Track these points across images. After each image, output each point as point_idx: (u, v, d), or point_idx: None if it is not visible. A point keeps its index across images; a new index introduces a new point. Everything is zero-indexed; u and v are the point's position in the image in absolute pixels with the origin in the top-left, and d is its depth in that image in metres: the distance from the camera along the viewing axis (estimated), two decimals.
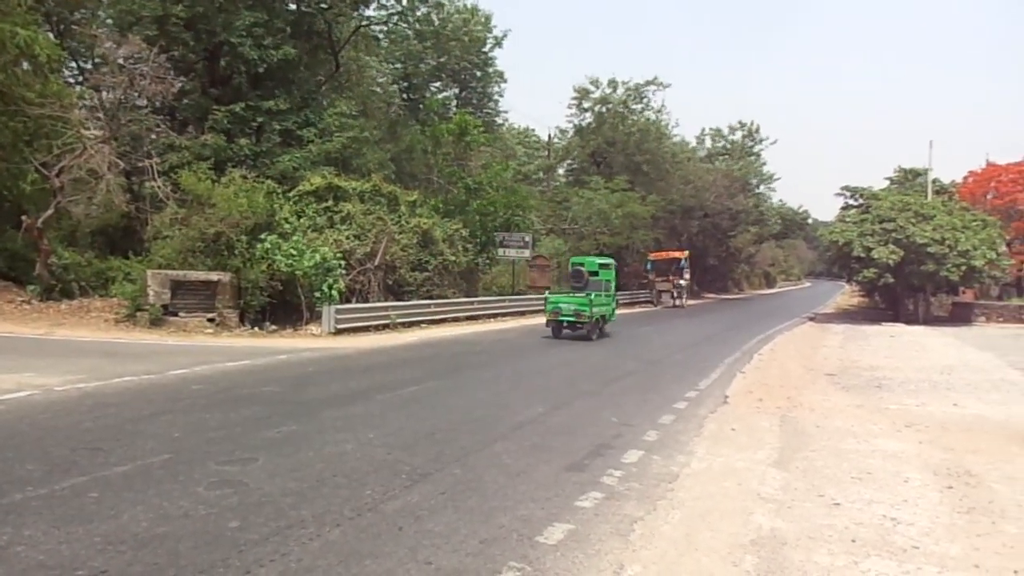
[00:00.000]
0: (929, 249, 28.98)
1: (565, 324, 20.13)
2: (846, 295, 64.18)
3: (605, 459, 7.09)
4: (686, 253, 46.10)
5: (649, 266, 43.87)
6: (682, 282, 43.26)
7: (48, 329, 16.83)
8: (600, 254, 31.17)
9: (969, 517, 5.65)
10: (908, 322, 30.69)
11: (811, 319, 34.26)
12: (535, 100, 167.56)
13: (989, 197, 41.80)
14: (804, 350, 19.07)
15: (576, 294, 21.34)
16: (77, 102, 22.08)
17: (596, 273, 22.90)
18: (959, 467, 7.12)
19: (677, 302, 42.59)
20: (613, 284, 23.43)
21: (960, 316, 33.15)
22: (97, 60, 24.62)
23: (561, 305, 20.23)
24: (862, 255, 30.33)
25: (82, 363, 11.99)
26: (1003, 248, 31.77)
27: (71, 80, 25.33)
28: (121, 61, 22.04)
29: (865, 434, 8.58)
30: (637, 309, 39.75)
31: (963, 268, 29.04)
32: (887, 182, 48.64)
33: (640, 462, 7.05)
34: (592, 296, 20.44)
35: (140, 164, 21.99)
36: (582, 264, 23.73)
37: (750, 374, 13.96)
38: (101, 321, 18.32)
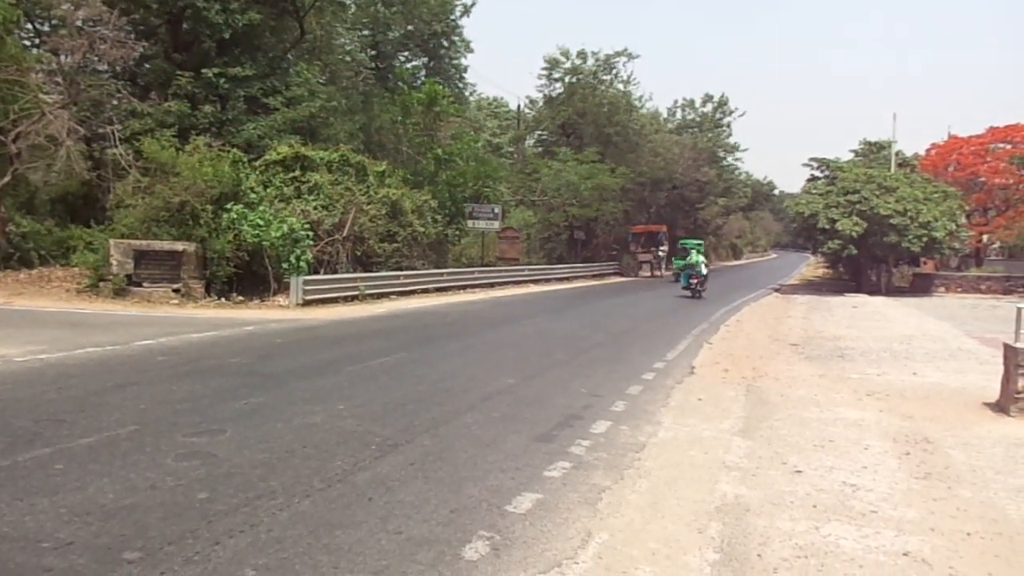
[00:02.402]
0: (892, 221, 29.45)
1: (685, 277, 30.09)
2: (811, 266, 65.11)
3: (574, 429, 7.16)
4: (665, 227, 47.39)
5: (631, 238, 45.57)
6: (660, 253, 45.94)
7: (6, 299, 16.49)
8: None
9: (926, 482, 5.81)
10: (870, 293, 31.25)
11: (776, 290, 34.71)
12: (505, 70, 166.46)
13: (950, 169, 42.51)
14: (769, 321, 19.34)
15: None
16: (35, 66, 21.43)
17: (695, 249, 33.79)
18: (917, 434, 7.30)
19: (656, 272, 44.87)
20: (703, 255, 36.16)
21: (920, 287, 33.85)
22: (55, 22, 23.86)
23: (694, 262, 29.44)
24: (827, 227, 30.74)
25: (43, 334, 11.79)
26: (963, 220, 32.42)
27: (27, 43, 24.53)
28: (80, 24, 21.42)
29: (827, 403, 8.76)
30: (607, 281, 40.01)
31: (924, 239, 29.58)
32: (852, 154, 49.21)
33: (608, 432, 7.13)
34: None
35: (101, 130, 21.49)
36: (687, 246, 38.29)
37: (716, 345, 14.14)
38: (62, 291, 18.00)
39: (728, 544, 4.53)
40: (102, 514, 4.56)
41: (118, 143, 20.55)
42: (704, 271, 27.67)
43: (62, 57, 21.57)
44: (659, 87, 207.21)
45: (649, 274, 44.75)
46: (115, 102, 21.93)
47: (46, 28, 24.57)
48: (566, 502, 5.16)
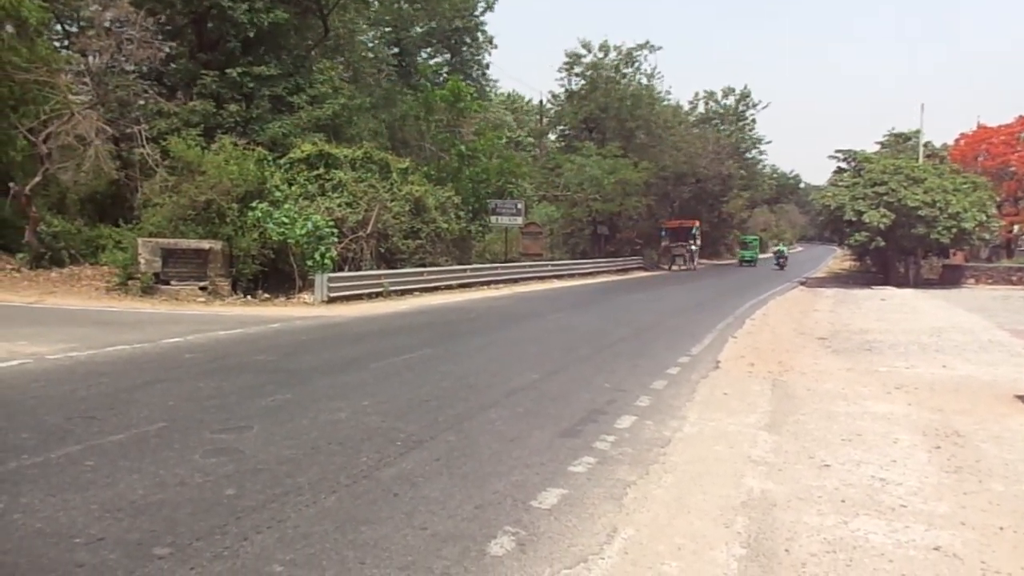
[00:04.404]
0: (920, 212, 28.98)
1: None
2: (838, 259, 64.34)
3: (598, 425, 7.14)
4: (697, 222, 48.23)
5: (664, 233, 48.27)
6: (693, 247, 47.72)
7: (38, 297, 16.76)
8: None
9: (957, 476, 5.73)
10: (899, 285, 30.82)
11: (803, 284, 34.37)
12: (521, 64, 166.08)
13: (980, 159, 41.78)
14: (795, 314, 19.16)
15: (751, 250, 57.61)
16: (64, 67, 21.74)
17: (752, 242, 57.91)
18: (947, 427, 7.20)
19: (688, 266, 47.00)
20: (759, 245, 59.52)
21: (950, 279, 33.32)
22: (83, 23, 24.18)
23: (780, 249, 52.00)
24: (853, 219, 30.33)
25: (74, 331, 11.97)
26: (993, 210, 31.81)
27: (57, 44, 24.89)
28: (108, 24, 21.70)
29: (855, 396, 8.66)
30: (631, 276, 39.86)
31: (953, 231, 29.08)
32: (878, 146, 48.62)
33: (633, 427, 7.10)
34: (755, 251, 57.81)
35: (128, 130, 21.76)
36: (746, 241, 59.60)
37: (742, 339, 14.03)
38: (92, 289, 18.26)
39: (755, 539, 4.50)
40: (132, 510, 4.63)
41: (145, 143, 20.80)
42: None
43: (90, 58, 21.86)
44: (678, 84, 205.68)
45: (680, 267, 46.34)
46: (142, 102, 22.21)
47: (75, 29, 24.93)
48: (591, 497, 5.15)
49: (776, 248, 55.35)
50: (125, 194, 22.50)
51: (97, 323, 13.38)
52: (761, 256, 63.84)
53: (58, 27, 24.95)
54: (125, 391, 7.88)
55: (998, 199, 35.89)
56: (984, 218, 29.92)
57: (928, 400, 8.48)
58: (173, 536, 4.25)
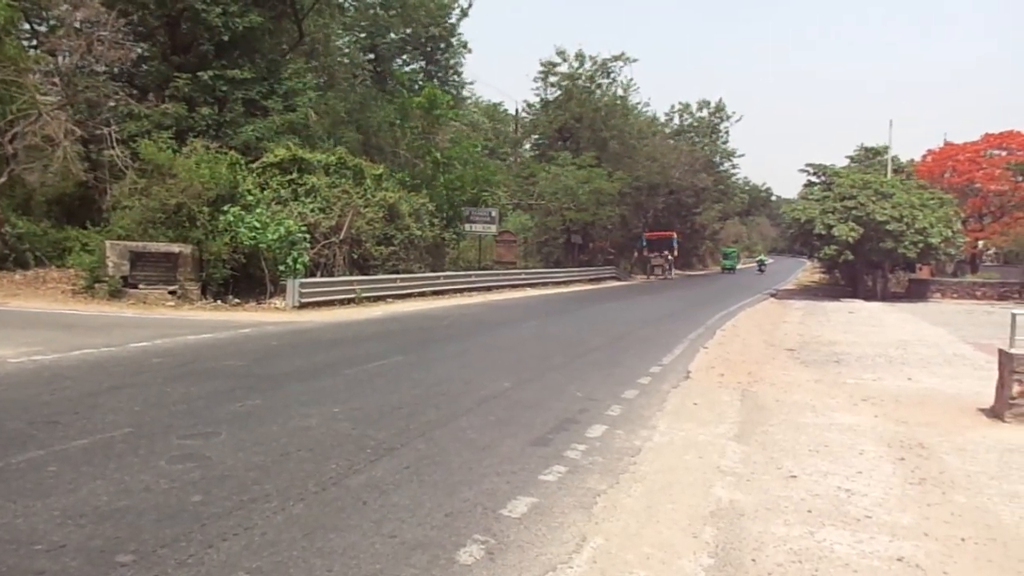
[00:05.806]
0: (888, 226, 29.46)
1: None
2: (807, 272, 65.18)
3: (569, 433, 7.15)
4: (675, 233, 49.66)
5: (644, 243, 50.90)
6: (671, 258, 50.61)
7: (2, 300, 16.46)
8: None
9: (920, 487, 5.81)
10: (867, 298, 31.25)
11: (773, 295, 34.71)
12: (501, 71, 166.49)
13: (946, 175, 42.55)
14: (765, 326, 19.35)
15: (730, 260, 71.88)
16: (32, 66, 21.39)
17: (732, 253, 72.74)
18: (912, 439, 7.31)
19: (665, 275, 49.43)
20: (736, 256, 73.75)
21: (916, 292, 33.87)
22: (53, 23, 23.82)
23: (761, 259, 70.10)
24: (823, 232, 30.74)
25: (38, 335, 11.77)
26: (958, 226, 32.45)
27: (25, 43, 24.47)
28: (78, 25, 21.40)
29: (823, 408, 8.76)
30: (604, 285, 40.02)
31: (920, 245, 29.60)
32: (848, 160, 49.35)
33: (604, 436, 7.12)
34: (734, 261, 72.50)
35: (98, 132, 21.42)
36: (726, 252, 72.98)
37: (712, 349, 14.14)
38: (58, 292, 17.97)
39: (722, 549, 4.53)
40: (95, 516, 4.55)
41: (115, 144, 20.51)
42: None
43: (60, 58, 21.54)
44: (654, 91, 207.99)
45: (658, 276, 48.72)
46: (112, 103, 21.88)
47: (44, 29, 24.53)
48: (561, 506, 5.15)
49: (759, 259, 72.93)
50: (93, 196, 22.15)
51: (62, 326, 13.16)
52: (739, 266, 74.74)
53: (27, 26, 24.54)
54: (90, 396, 7.75)
55: (963, 215, 36.62)
56: (950, 233, 30.51)
57: (894, 412, 8.60)
58: (137, 543, 4.18)
